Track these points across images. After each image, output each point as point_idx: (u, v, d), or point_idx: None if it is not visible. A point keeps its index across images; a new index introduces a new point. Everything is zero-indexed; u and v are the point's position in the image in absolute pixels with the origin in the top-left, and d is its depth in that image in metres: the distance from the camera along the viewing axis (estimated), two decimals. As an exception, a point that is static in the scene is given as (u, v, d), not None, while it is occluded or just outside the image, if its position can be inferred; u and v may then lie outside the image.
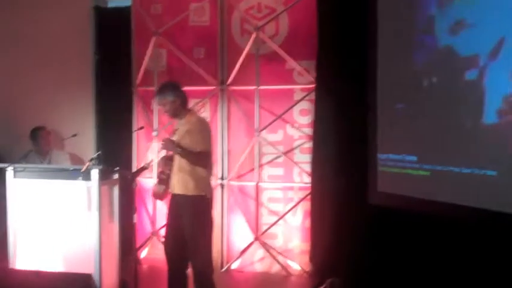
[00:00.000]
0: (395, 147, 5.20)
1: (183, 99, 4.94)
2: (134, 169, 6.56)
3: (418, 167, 4.92)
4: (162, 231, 6.46)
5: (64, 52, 6.90)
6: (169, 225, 4.97)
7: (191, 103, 6.47)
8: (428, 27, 4.76)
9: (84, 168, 4.83)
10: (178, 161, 4.82)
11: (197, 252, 4.81)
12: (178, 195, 4.85)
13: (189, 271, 4.93)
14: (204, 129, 4.89)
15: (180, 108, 4.90)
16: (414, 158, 4.96)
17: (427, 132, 4.81)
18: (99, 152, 5.19)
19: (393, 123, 5.23)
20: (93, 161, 4.97)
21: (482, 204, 4.28)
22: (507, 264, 4.16)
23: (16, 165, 5.26)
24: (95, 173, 4.90)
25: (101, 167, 4.92)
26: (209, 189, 4.93)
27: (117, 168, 5.16)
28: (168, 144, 4.77)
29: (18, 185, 5.21)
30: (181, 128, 4.87)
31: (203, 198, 4.83)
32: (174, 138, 4.83)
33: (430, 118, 4.77)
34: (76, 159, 6.72)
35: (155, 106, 6.50)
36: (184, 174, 4.81)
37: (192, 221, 4.78)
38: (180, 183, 4.84)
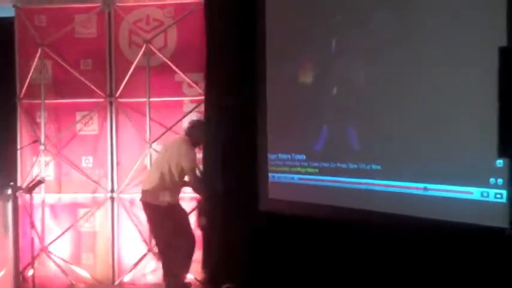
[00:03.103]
0: (284, 148, 5.36)
1: None
2: (20, 183, 6.34)
3: (306, 165, 5.12)
4: (51, 248, 6.38)
5: None
6: None
7: (78, 116, 6.46)
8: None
9: (-22, 183, 4.69)
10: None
11: None
12: None
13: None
14: None
15: None
16: (303, 157, 5.17)
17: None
18: (-6, 167, 5.03)
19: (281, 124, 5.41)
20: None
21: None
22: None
23: None
24: (-12, 188, 4.77)
25: (-5, 181, 4.79)
26: None
27: (12, 183, 5.04)
28: None
29: None
30: None
31: None
32: None
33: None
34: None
35: (42, 119, 6.36)
36: None
37: None
38: None
